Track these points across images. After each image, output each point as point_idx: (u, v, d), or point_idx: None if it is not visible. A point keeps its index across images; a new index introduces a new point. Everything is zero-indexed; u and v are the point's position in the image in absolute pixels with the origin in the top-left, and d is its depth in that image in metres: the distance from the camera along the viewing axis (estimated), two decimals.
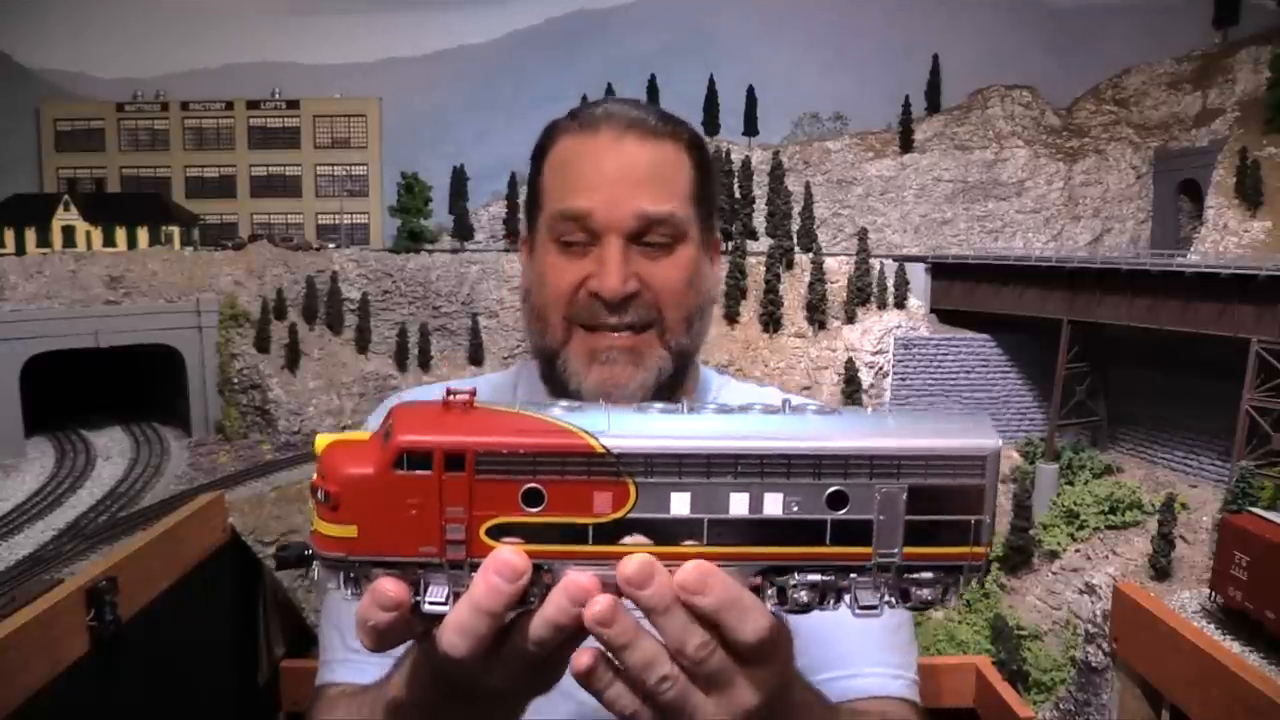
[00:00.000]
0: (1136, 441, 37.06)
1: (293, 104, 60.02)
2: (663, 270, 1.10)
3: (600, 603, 0.60)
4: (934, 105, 55.11)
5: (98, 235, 48.66)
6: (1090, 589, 29.43)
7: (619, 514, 0.59)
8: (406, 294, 42.10)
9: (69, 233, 48.38)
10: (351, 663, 1.12)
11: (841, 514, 0.59)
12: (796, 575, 0.61)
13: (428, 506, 0.58)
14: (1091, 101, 54.49)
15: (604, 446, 0.57)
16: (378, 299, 41.18)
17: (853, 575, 0.60)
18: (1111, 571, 29.79)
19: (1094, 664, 22.18)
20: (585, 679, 0.64)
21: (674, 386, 1.13)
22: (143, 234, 49.32)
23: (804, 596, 0.61)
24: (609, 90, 51.64)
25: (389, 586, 0.60)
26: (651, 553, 0.59)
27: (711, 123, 54.21)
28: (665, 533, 0.59)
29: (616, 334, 1.09)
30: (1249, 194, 41.12)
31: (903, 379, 39.13)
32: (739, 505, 0.59)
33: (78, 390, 37.81)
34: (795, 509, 0.59)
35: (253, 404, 36.69)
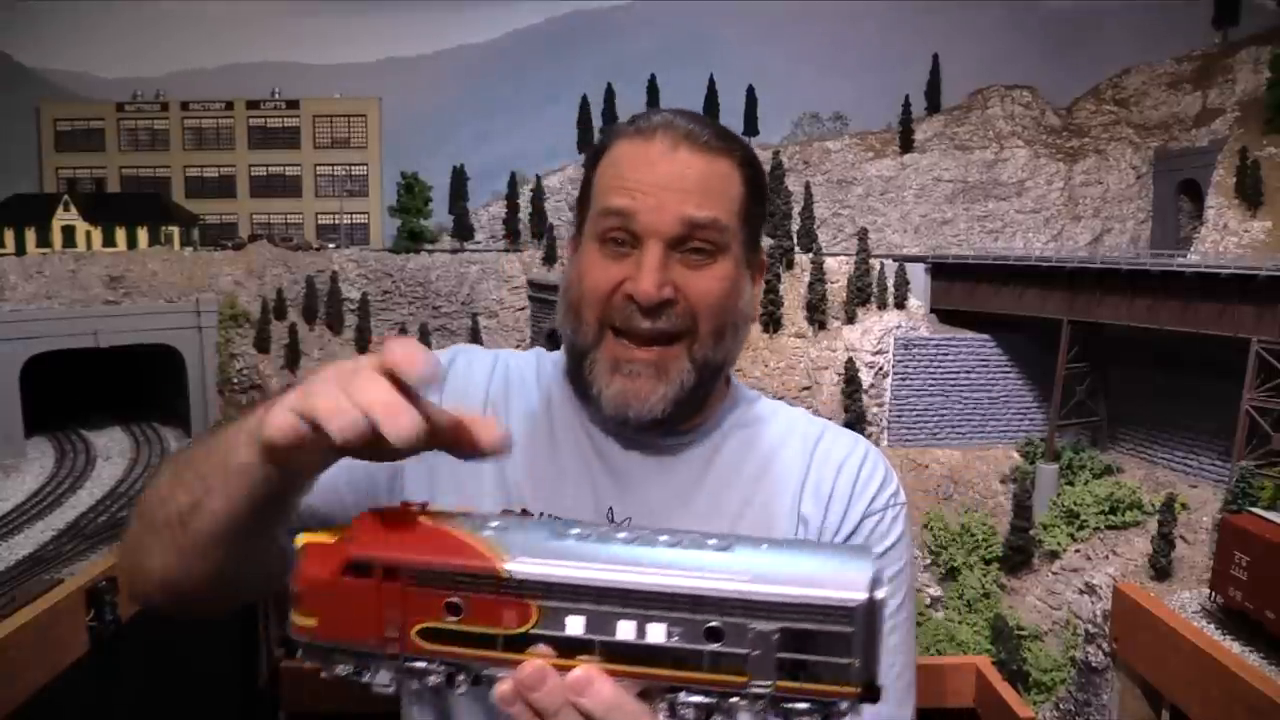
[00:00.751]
0: (1136, 441, 37.08)
1: (293, 104, 60.05)
2: (702, 280, 1.10)
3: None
4: (934, 105, 55.12)
5: (98, 235, 48.69)
6: (1090, 589, 29.44)
7: (522, 629, 0.68)
8: (406, 294, 42.13)
9: (69, 233, 48.40)
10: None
11: (717, 647, 0.66)
12: (684, 694, 0.67)
13: (371, 607, 0.69)
14: (1091, 101, 54.51)
15: (508, 572, 0.67)
16: (378, 299, 41.22)
17: (732, 699, 0.66)
18: (1111, 571, 29.81)
19: (1094, 664, 22.18)
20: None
21: (697, 400, 1.14)
22: (143, 234, 49.35)
23: (690, 714, 0.67)
24: (609, 90, 51.67)
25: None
26: (551, 662, 0.68)
27: None
28: (564, 647, 0.68)
29: (643, 348, 1.09)
30: (1249, 194, 41.14)
31: (903, 379, 39.14)
32: (626, 631, 0.67)
33: (78, 390, 37.83)
34: (675, 639, 0.66)
35: (252, 404, 36.65)
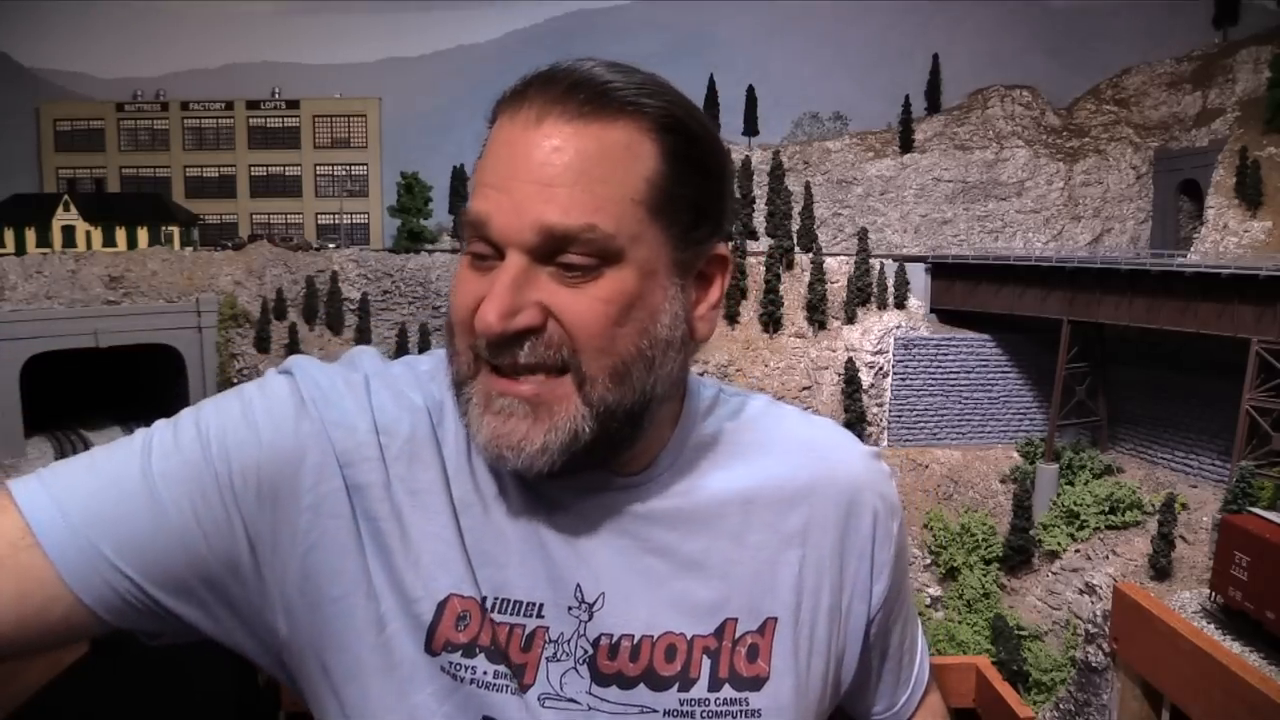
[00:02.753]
0: (1136, 441, 37.07)
1: (293, 104, 60.06)
2: (580, 301, 0.79)
3: None
4: (934, 105, 55.13)
5: (97, 235, 48.69)
6: (1090, 589, 29.46)
7: None
8: (406, 294, 42.11)
9: (69, 233, 48.41)
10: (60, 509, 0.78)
11: None
12: None
13: None
14: (1091, 101, 54.51)
15: None
16: (378, 299, 41.21)
17: None
18: (1111, 571, 29.82)
19: (1094, 664, 22.19)
20: None
21: (610, 448, 0.83)
22: (142, 234, 49.35)
23: None
24: None
25: None
26: None
27: (711, 123, 54.18)
28: None
29: (519, 380, 0.80)
30: (1249, 194, 41.14)
31: (903, 379, 39.14)
32: None
33: (77, 390, 37.82)
34: None
35: None
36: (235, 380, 37.00)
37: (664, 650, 0.86)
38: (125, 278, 37.99)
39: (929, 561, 33.47)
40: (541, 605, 0.84)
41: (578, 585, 0.85)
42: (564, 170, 0.78)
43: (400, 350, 39.96)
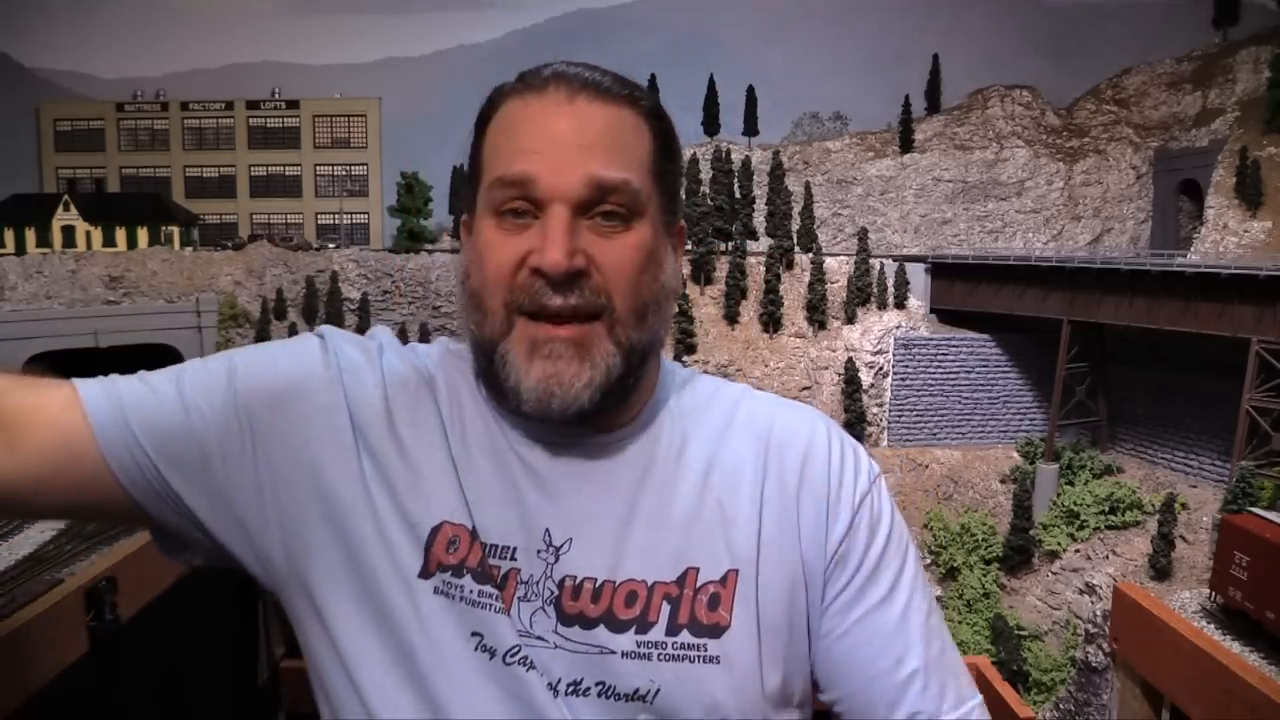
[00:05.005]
0: (1136, 441, 37.07)
1: (293, 104, 60.05)
2: (615, 250, 0.94)
3: None
4: (934, 105, 55.13)
5: (97, 235, 48.69)
6: (1090, 589, 29.46)
7: None
8: (406, 294, 42.12)
9: (69, 233, 48.40)
10: (112, 416, 0.94)
11: None
12: None
13: None
14: (1091, 101, 54.52)
15: None
16: (378, 299, 41.21)
17: None
18: (1111, 571, 29.81)
19: (1094, 664, 22.17)
20: None
21: (627, 387, 0.96)
22: (142, 234, 49.34)
23: None
24: None
25: None
26: None
27: (711, 123, 54.23)
28: None
29: (561, 325, 0.93)
30: (1249, 194, 41.14)
31: (903, 379, 39.14)
32: None
33: None
34: None
35: None
36: None
37: (625, 595, 0.94)
38: (125, 278, 37.98)
39: (929, 562, 33.47)
40: (515, 549, 0.94)
41: (547, 530, 0.94)
42: (601, 135, 0.94)
43: None
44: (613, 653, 0.93)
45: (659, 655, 0.93)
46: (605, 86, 0.97)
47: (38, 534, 26.98)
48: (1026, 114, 53.40)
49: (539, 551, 0.94)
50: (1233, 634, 18.87)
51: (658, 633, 0.93)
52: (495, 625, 0.91)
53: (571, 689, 0.92)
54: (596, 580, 0.94)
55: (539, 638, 0.92)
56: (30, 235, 47.50)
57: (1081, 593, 30.22)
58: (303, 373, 0.97)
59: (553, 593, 0.93)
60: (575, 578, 0.93)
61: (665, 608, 0.94)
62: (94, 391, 0.92)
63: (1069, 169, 50.94)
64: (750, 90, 55.68)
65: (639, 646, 0.93)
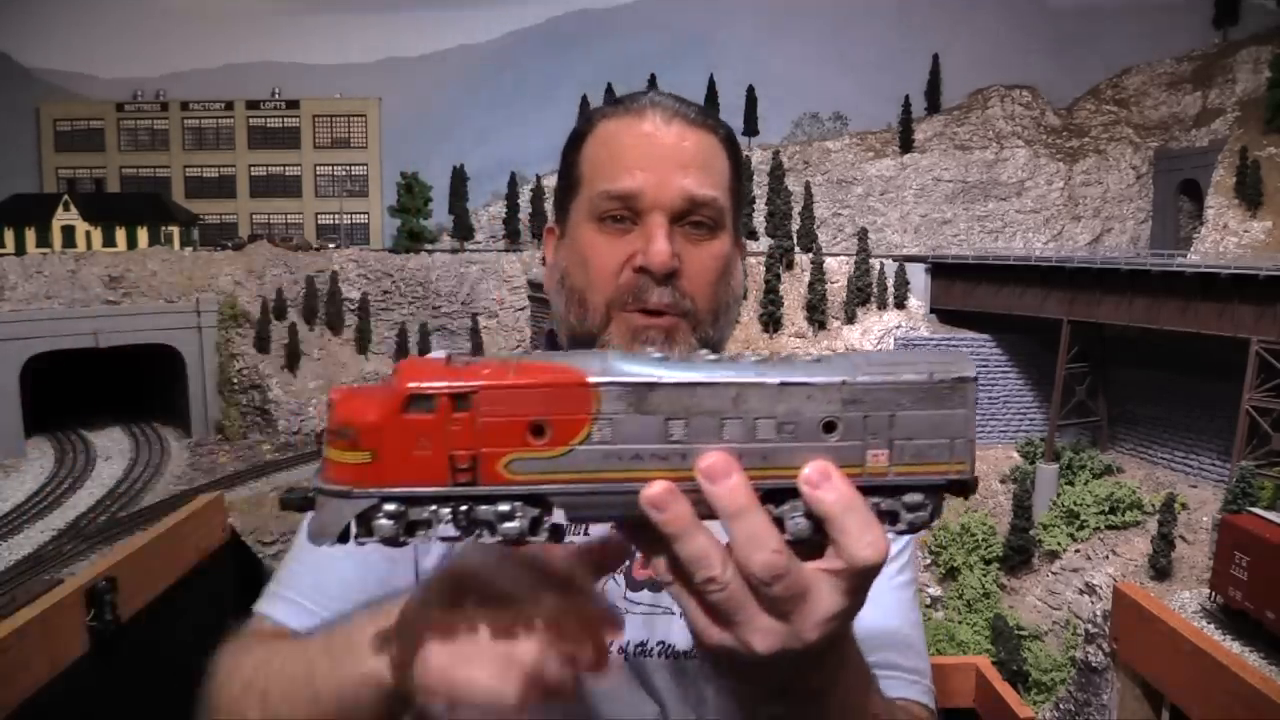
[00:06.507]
0: (1136, 441, 37.06)
1: (293, 104, 60.03)
2: (700, 256, 1.09)
3: (657, 485, 0.61)
4: (934, 105, 55.12)
5: (97, 235, 48.67)
6: (1090, 589, 29.45)
7: None
8: (406, 294, 42.12)
9: (69, 233, 48.39)
10: (300, 606, 1.06)
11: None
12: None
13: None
14: (1091, 101, 54.51)
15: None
16: (378, 299, 41.20)
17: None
18: (1111, 571, 29.81)
19: (1094, 664, 22.14)
20: (651, 505, 0.61)
21: None
22: (142, 234, 49.33)
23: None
24: (609, 90, 51.66)
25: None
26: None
27: None
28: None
29: (658, 317, 1.06)
30: (1249, 194, 41.13)
31: None
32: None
33: (78, 390, 37.82)
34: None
35: (253, 404, 36.70)
36: (235, 380, 36.98)
37: None
38: (125, 278, 37.97)
39: (929, 561, 33.46)
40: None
41: None
42: (695, 156, 1.09)
43: (400, 350, 39.97)
44: (672, 612, 1.02)
45: None
46: (693, 116, 1.12)
47: (38, 534, 27.02)
48: (1026, 114, 53.39)
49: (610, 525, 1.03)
50: (1233, 634, 18.88)
51: None
52: None
53: (639, 650, 1.02)
54: None
55: (612, 605, 0.98)
56: (30, 235, 47.49)
57: (1081, 593, 30.21)
58: None
59: (625, 563, 1.00)
60: None
61: None
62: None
63: (1069, 169, 50.93)
64: (750, 90, 55.70)
65: None
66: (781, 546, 0.62)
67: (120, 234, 49.12)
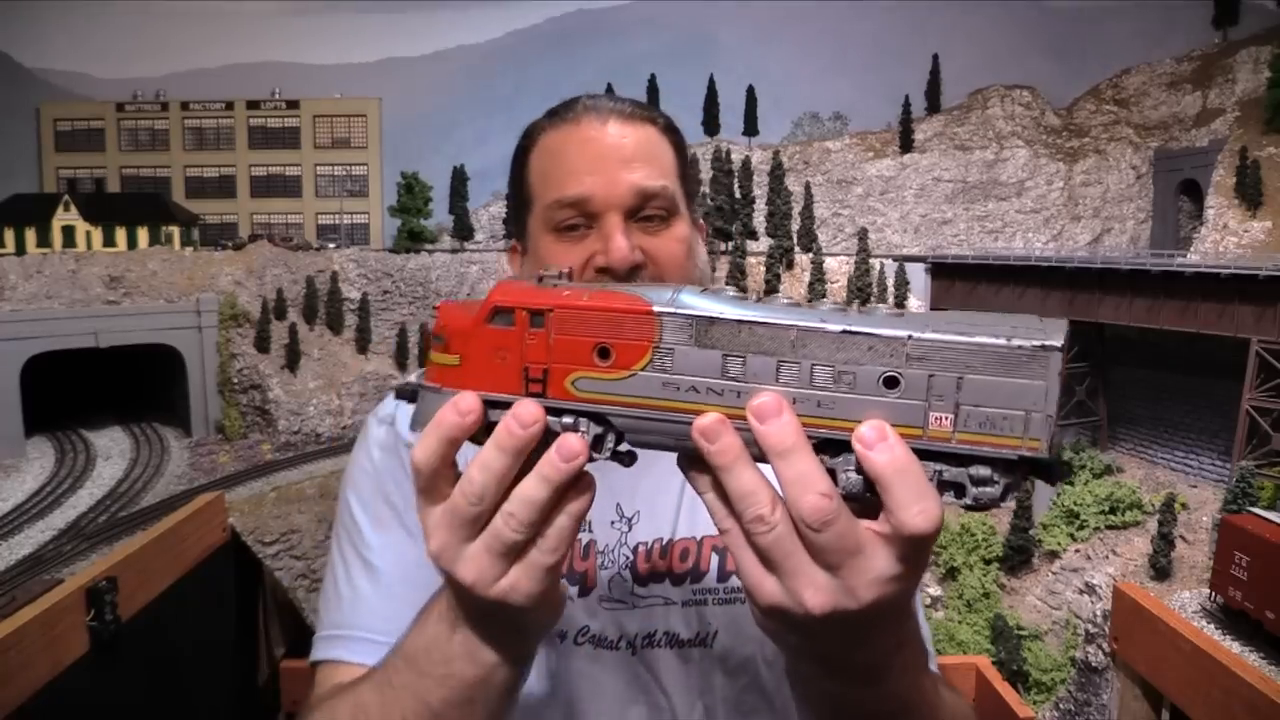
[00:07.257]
0: (1136, 441, 37.06)
1: (293, 104, 60.01)
2: (663, 243, 1.13)
3: (709, 416, 0.61)
4: (934, 105, 55.10)
5: (98, 235, 48.64)
6: (1090, 589, 29.44)
7: None
8: (406, 294, 42.10)
9: (69, 233, 48.36)
10: (374, 643, 1.04)
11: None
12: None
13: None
14: (1091, 101, 54.49)
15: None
16: (378, 299, 41.19)
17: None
18: (1111, 571, 29.80)
19: (1094, 664, 22.17)
20: (703, 435, 0.61)
21: None
22: (143, 234, 49.30)
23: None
24: (609, 90, 51.55)
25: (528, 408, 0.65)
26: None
27: (711, 123, 54.20)
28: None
29: None
30: (1249, 194, 41.12)
31: None
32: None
33: (78, 390, 37.80)
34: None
35: (253, 404, 36.68)
36: (235, 380, 36.95)
37: (679, 552, 1.10)
38: (125, 278, 37.96)
39: (929, 561, 33.50)
40: (590, 521, 1.08)
41: (618, 504, 1.11)
42: (636, 151, 1.12)
43: (400, 350, 39.99)
44: (674, 603, 1.07)
45: (712, 600, 1.07)
46: (628, 111, 1.16)
47: (38, 534, 27.01)
48: (1026, 114, 53.37)
49: (612, 523, 1.09)
50: (1233, 634, 18.87)
51: (710, 580, 1.08)
52: (573, 613, 1.05)
53: (646, 642, 1.07)
54: (664, 540, 1.10)
55: (619, 600, 1.07)
56: (30, 235, 47.46)
57: (1081, 593, 30.20)
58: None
59: (628, 559, 1.08)
60: (646, 543, 1.09)
61: (714, 558, 1.09)
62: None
63: (1069, 169, 50.91)
64: (750, 90, 55.66)
65: (694, 594, 1.07)
66: (831, 490, 0.60)
67: (120, 234, 49.09)
